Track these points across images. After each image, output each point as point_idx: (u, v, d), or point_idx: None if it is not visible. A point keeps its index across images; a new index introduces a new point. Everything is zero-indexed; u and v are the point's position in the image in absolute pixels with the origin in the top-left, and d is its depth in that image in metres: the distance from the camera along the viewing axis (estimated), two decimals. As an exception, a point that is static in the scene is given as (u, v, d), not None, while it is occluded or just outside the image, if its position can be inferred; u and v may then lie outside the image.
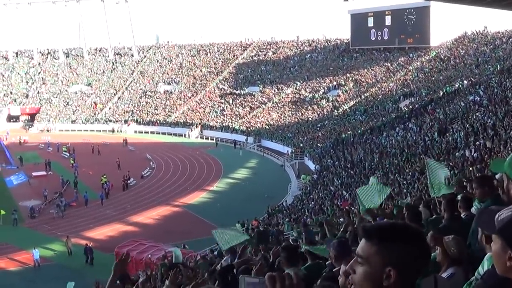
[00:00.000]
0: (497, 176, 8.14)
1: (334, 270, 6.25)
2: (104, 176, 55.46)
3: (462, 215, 7.40)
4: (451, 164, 30.96)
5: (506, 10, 38.94)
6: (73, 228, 43.53)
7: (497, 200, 6.50)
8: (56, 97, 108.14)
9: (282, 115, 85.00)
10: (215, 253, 23.67)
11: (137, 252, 32.43)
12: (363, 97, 79.15)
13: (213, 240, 29.50)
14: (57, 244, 40.08)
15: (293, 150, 67.88)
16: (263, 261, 7.16)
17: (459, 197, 8.37)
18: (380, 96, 76.64)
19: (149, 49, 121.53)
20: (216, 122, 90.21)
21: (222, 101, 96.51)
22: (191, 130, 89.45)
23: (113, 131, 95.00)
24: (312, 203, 43.07)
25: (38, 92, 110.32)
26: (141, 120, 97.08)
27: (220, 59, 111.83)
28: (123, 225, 45.07)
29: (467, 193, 9.57)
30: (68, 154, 72.17)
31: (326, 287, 3.57)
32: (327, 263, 7.31)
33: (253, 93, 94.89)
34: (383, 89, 79.32)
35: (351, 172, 48.77)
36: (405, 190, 29.10)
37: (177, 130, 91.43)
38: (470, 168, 25.12)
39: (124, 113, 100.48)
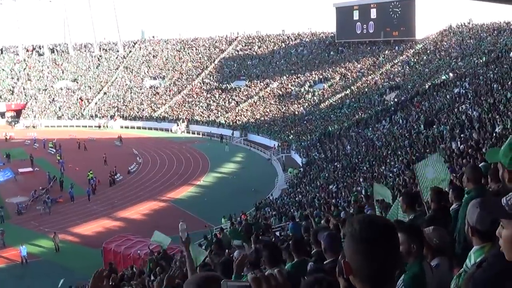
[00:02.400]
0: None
1: (325, 262, 6.25)
2: (91, 172, 55.19)
3: (454, 205, 7.44)
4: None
5: (490, 2, 39.12)
6: (60, 224, 43.33)
7: (482, 191, 6.57)
8: (42, 93, 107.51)
9: (268, 109, 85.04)
10: (203, 247, 23.65)
11: (125, 247, 32.36)
12: (349, 90, 79.27)
13: (201, 234, 29.63)
14: (44, 241, 39.86)
15: (279, 144, 67.98)
16: (255, 254, 7.07)
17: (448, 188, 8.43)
18: (366, 89, 76.82)
19: (134, 44, 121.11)
20: (202, 116, 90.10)
21: (208, 95, 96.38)
22: (177, 125, 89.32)
23: (99, 126, 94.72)
24: (299, 196, 43.14)
25: (24, 88, 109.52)
26: (127, 115, 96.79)
27: (205, 53, 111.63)
28: (110, 220, 44.94)
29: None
30: (54, 150, 71.75)
31: (319, 278, 3.56)
32: (311, 260, 7.27)
33: (239, 88, 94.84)
34: (369, 82, 79.49)
35: (338, 165, 48.90)
36: (391, 183, 29.14)
37: (163, 125, 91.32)
38: (459, 160, 25.18)
39: (110, 108, 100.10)
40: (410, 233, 4.87)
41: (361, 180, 39.00)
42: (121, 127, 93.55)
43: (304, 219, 20.11)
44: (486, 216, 3.51)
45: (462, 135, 35.13)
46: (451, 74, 61.46)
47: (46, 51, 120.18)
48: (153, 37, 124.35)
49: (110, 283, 14.85)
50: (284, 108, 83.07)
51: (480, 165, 9.58)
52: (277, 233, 22.09)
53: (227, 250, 15.84)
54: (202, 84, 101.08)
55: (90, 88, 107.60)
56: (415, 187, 20.42)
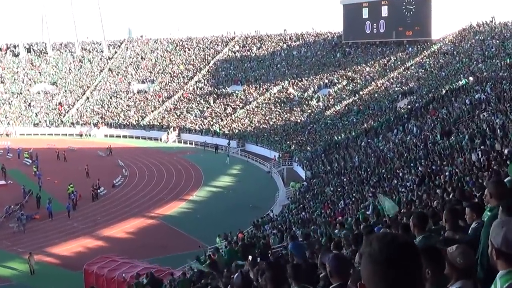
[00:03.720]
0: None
1: (331, 287, 6.18)
2: (71, 185, 54.98)
3: (474, 223, 7.38)
4: (456, 170, 31.04)
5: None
6: (36, 243, 43.09)
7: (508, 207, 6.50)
8: (17, 98, 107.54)
9: (268, 116, 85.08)
10: (195, 270, 23.57)
11: (109, 269, 32.21)
12: (357, 96, 79.36)
13: (191, 255, 29.50)
14: (18, 262, 39.64)
15: (280, 155, 67.97)
16: (241, 279, 6.97)
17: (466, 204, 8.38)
18: (376, 95, 76.89)
19: (120, 44, 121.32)
20: (195, 124, 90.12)
21: (202, 101, 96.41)
22: (168, 134, 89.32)
23: (81, 135, 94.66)
24: (303, 213, 43.07)
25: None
26: (112, 123, 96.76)
27: (199, 55, 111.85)
28: (93, 239, 44.75)
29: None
30: (30, 161, 71.67)
31: None
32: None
33: (236, 93, 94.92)
34: (379, 87, 79.59)
35: (344, 179, 48.86)
36: (404, 199, 29.05)
37: (152, 133, 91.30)
38: (478, 173, 25.08)
39: (93, 115, 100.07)
40: (424, 256, 4.81)
41: (370, 195, 38.92)
42: (106, 135, 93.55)
43: (304, 238, 20.00)
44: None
45: (482, 146, 35.03)
46: (471, 78, 61.49)
47: (22, 50, 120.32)
48: (142, 36, 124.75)
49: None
50: (286, 116, 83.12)
51: (505, 180, 9.52)
52: (279, 254, 22.01)
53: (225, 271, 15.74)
54: (195, 88, 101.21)
55: (71, 92, 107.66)
56: (431, 202, 20.41)
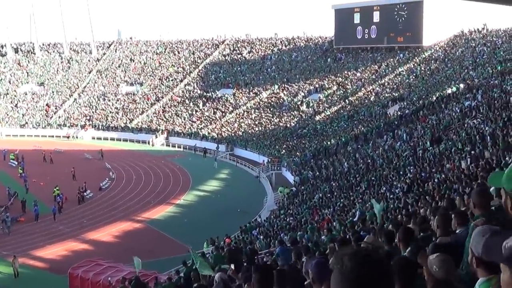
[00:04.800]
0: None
1: None
2: (57, 188, 54.79)
3: (457, 231, 7.45)
4: (443, 176, 31.17)
5: (508, 5, 39.22)
6: (21, 246, 42.94)
7: (490, 218, 6.56)
8: (3, 98, 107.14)
9: (257, 121, 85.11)
10: (181, 274, 23.58)
11: (94, 273, 32.14)
12: (347, 101, 79.52)
13: (179, 259, 29.51)
14: (2, 265, 39.47)
15: (269, 160, 68.00)
16: (222, 285, 6.97)
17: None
18: (366, 101, 77.08)
19: (109, 46, 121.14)
20: (184, 128, 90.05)
21: (191, 104, 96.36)
22: (156, 137, 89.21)
23: (68, 137, 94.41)
24: (291, 218, 43.09)
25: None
26: (100, 125, 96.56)
27: (188, 58, 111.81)
28: (78, 243, 44.64)
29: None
30: (16, 163, 71.47)
31: None
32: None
33: (226, 96, 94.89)
34: (369, 93, 79.77)
35: (333, 184, 48.93)
36: (392, 206, 29.15)
37: (140, 136, 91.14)
38: (467, 181, 25.17)
39: (80, 117, 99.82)
40: (399, 272, 4.86)
41: (359, 201, 39.01)
42: (93, 138, 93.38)
43: (291, 243, 20.03)
44: (493, 245, 3.51)
45: (472, 153, 35.15)
46: (461, 85, 61.77)
47: (9, 50, 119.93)
48: (131, 38, 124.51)
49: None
50: (275, 120, 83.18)
51: (491, 189, 9.57)
52: (265, 259, 22.03)
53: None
54: (184, 91, 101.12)
55: (59, 93, 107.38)
56: (419, 210, 20.49)
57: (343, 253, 2.53)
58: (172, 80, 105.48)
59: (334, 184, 49.00)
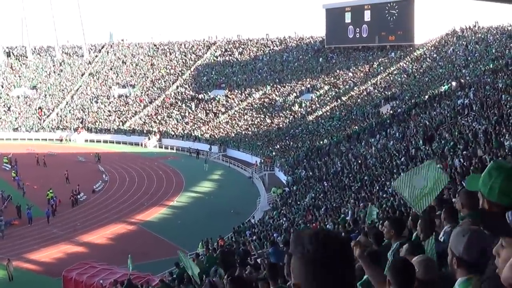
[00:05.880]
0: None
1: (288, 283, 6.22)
2: (51, 191, 54.71)
3: (446, 227, 7.41)
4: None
5: (499, 3, 39.07)
6: (15, 249, 42.86)
7: (477, 217, 6.57)
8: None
9: (250, 121, 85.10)
10: (174, 275, 23.57)
11: (87, 276, 32.06)
12: (339, 101, 79.54)
13: (172, 261, 29.46)
14: (-5, 269, 39.52)
15: (262, 160, 67.99)
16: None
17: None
18: (358, 100, 77.10)
19: (101, 48, 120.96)
20: (177, 129, 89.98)
21: (184, 106, 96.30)
22: (149, 139, 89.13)
23: (61, 140, 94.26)
24: (284, 219, 43.08)
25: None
26: (93, 127, 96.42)
27: (180, 59, 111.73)
28: (72, 245, 44.56)
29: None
30: (9, 166, 71.34)
31: None
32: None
33: (218, 98, 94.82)
34: (361, 92, 79.80)
35: (326, 184, 48.92)
36: (384, 205, 29.18)
37: (133, 138, 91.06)
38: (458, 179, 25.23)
39: (73, 119, 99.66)
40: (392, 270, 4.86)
41: (351, 201, 39.01)
42: (86, 140, 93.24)
43: (285, 244, 20.06)
44: (474, 245, 3.54)
45: (465, 152, 35.13)
46: (454, 83, 61.75)
47: (1, 54, 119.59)
48: (123, 40, 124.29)
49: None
50: (268, 121, 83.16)
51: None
52: (258, 260, 22.02)
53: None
54: (176, 93, 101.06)
55: (51, 96, 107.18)
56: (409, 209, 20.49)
57: (301, 235, 2.45)
58: (164, 82, 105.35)
59: (326, 184, 48.99)
